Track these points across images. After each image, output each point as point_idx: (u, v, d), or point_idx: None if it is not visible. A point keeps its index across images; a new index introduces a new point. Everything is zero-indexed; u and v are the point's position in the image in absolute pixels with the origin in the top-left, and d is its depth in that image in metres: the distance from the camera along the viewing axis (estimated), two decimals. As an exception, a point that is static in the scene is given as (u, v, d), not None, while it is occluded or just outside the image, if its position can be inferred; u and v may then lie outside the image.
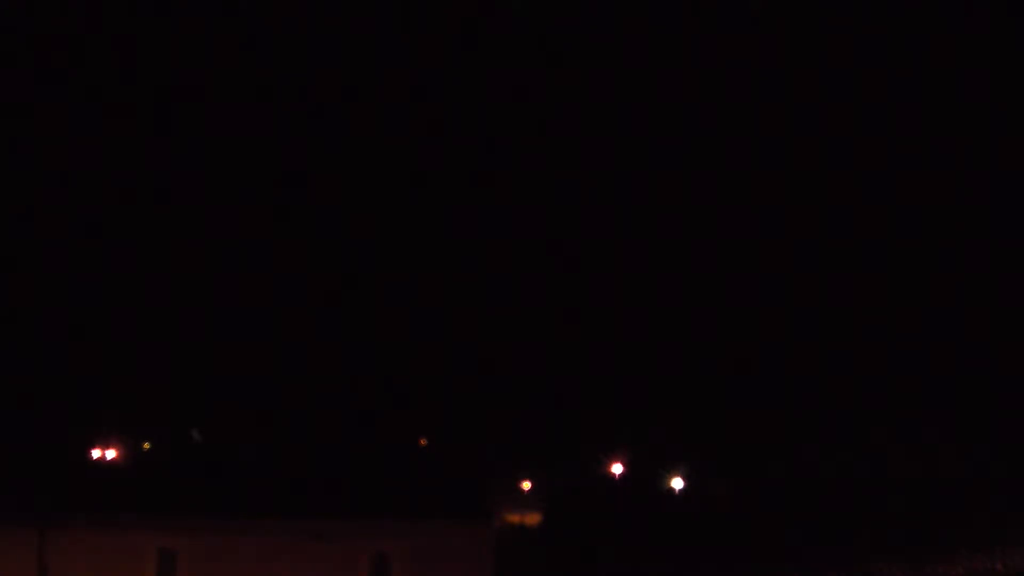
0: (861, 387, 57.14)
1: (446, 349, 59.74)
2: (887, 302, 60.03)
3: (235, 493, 34.86)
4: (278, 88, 68.99)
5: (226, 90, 68.32)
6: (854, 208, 64.46)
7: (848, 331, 59.73)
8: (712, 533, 44.89)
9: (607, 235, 66.40)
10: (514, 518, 48.03)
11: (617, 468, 56.19)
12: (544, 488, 51.69)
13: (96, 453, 48.49)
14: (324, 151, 68.04)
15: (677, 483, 53.53)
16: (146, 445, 52.89)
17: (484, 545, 33.73)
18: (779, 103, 68.39)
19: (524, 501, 50.17)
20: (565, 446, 56.38)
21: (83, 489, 35.84)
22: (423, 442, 54.43)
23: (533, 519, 48.88)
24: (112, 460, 48.13)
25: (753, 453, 55.29)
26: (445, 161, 68.37)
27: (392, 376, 57.98)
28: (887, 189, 65.09)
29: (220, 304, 59.61)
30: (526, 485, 52.08)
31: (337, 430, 52.91)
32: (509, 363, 59.35)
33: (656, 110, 69.91)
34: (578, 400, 58.36)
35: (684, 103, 70.18)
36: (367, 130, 69.55)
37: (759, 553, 41.67)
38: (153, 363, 56.58)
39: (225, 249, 61.43)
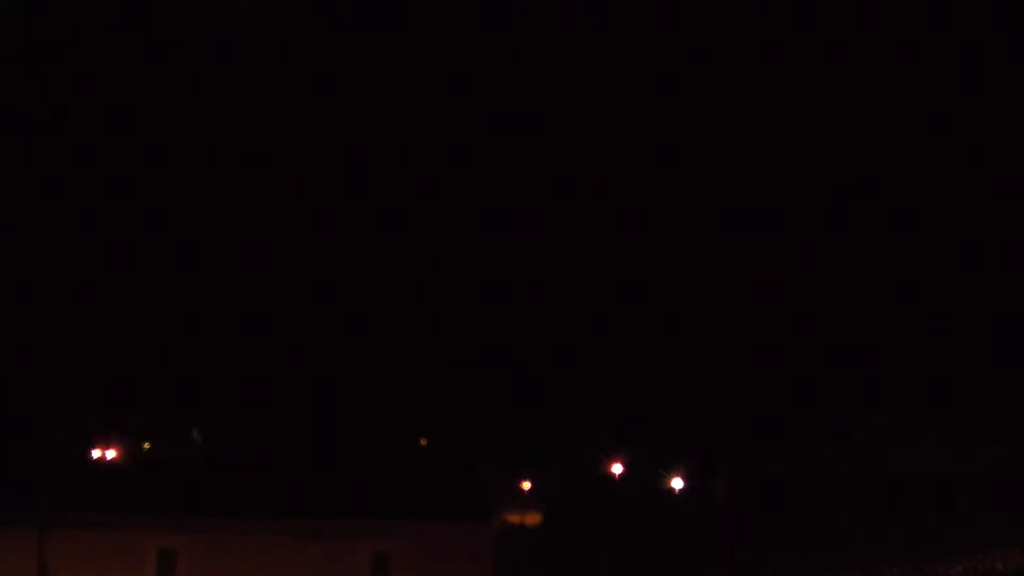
0: (861, 387, 57.17)
1: (446, 349, 59.78)
2: (887, 302, 60.06)
3: (235, 493, 34.85)
4: (277, 88, 69.00)
5: (225, 89, 68.29)
6: (854, 208, 64.46)
7: (848, 331, 59.75)
8: (712, 533, 44.87)
9: (608, 235, 66.31)
10: (514, 518, 47.98)
11: (617, 468, 56.19)
12: (544, 488, 51.66)
13: (96, 453, 48.48)
14: (323, 150, 68.04)
15: (677, 483, 53.52)
16: (146, 445, 52.97)
17: (484, 545, 33.73)
18: (779, 103, 68.40)
19: (524, 501, 50.11)
20: (565, 446, 56.38)
21: (83, 489, 35.84)
22: (423, 442, 54.53)
23: (533, 519, 48.84)
24: (112, 460, 48.12)
25: (753, 453, 55.30)
26: (445, 161, 68.37)
27: (391, 376, 58.01)
28: (887, 189, 65.12)
29: (220, 304, 59.63)
30: (526, 485, 52.04)
31: (337, 430, 52.96)
32: (509, 363, 59.41)
33: (655, 110, 69.92)
34: (578, 400, 58.37)
35: (683, 103, 70.21)
36: (366, 129, 69.56)
37: (759, 553, 41.69)
38: (153, 363, 56.60)
39: (225, 249, 61.46)
